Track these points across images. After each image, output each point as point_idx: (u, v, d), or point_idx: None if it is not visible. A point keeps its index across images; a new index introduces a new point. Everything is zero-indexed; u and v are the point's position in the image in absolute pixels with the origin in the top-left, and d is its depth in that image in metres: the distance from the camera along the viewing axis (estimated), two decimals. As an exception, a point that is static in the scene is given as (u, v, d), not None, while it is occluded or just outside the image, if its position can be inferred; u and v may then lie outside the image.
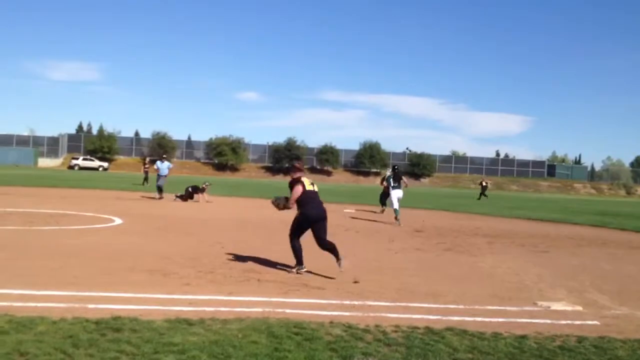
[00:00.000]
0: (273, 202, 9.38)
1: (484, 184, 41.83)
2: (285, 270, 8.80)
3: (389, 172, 20.74)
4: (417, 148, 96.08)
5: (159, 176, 24.16)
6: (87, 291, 6.69)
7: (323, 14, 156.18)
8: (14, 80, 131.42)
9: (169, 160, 25.44)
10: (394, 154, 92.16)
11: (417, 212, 24.81)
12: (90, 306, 6.05)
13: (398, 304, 6.96)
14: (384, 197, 22.33)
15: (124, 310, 5.88)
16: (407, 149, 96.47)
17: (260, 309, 6.25)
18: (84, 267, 8.33)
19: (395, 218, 17.98)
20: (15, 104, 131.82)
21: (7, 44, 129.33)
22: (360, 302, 6.91)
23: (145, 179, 35.97)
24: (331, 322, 5.83)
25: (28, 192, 24.44)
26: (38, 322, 5.27)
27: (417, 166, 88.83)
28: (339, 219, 19.47)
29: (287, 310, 6.26)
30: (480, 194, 40.49)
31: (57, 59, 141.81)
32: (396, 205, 18.41)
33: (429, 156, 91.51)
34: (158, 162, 24.68)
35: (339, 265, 8.55)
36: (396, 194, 18.64)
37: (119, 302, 6.29)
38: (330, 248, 8.72)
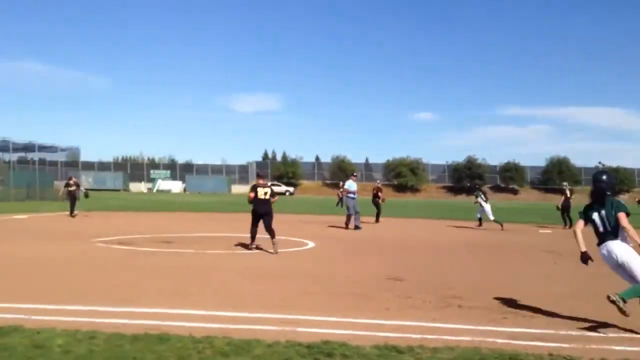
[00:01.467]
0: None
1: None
2: (495, 297, 8.37)
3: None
4: (612, 162, 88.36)
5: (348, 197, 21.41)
6: (295, 314, 6.85)
7: (502, 26, 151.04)
8: (206, 114, 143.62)
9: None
10: (586, 169, 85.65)
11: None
12: (300, 329, 6.16)
13: (622, 335, 6.26)
14: (565, 212, 23.58)
15: (333, 334, 5.89)
16: (599, 163, 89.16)
17: (469, 338, 5.93)
18: (287, 289, 8.62)
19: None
20: (207, 136, 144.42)
21: (199, 81, 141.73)
22: (578, 333, 6.31)
23: (340, 200, 36.60)
24: (550, 355, 5.36)
25: (228, 217, 26.32)
26: (254, 344, 5.44)
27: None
28: (535, 239, 18.36)
29: (499, 340, 5.87)
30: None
31: (242, 93, 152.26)
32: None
33: (625, 170, 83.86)
34: (350, 182, 22.31)
35: (274, 250, 12.47)
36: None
37: (326, 325, 6.34)
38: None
